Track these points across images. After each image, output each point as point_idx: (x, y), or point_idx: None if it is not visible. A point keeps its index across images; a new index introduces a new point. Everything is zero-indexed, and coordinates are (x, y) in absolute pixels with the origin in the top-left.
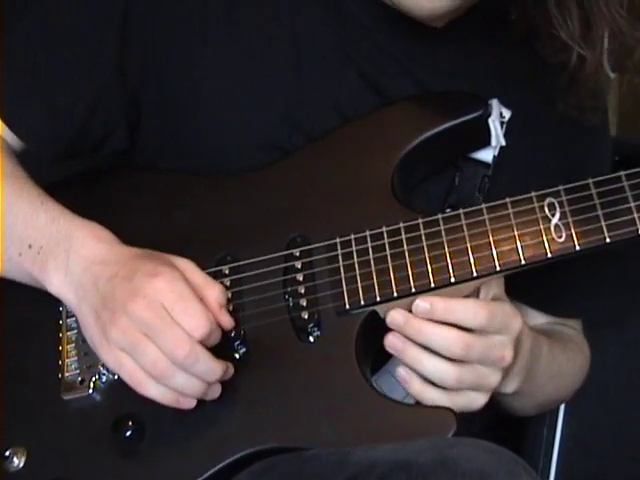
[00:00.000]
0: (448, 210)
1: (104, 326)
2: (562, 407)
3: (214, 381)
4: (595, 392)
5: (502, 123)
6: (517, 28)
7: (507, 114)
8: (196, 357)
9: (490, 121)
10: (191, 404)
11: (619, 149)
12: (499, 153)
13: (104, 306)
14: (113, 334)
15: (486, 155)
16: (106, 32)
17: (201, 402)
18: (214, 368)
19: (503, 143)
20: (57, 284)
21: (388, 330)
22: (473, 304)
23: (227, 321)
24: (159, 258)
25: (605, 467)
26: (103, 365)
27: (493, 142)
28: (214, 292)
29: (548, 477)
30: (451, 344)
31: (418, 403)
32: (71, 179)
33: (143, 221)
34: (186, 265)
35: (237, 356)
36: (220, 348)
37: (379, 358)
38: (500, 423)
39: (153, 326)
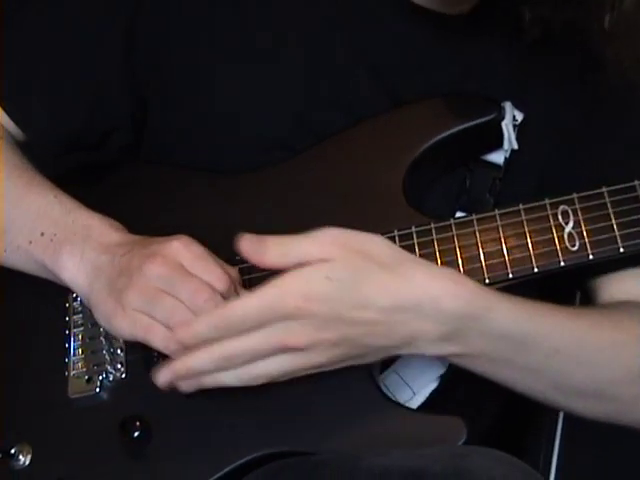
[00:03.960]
0: (459, 212)
1: (120, 294)
2: None
3: None
4: None
5: (514, 126)
6: (531, 32)
7: (520, 117)
8: (215, 304)
9: (503, 124)
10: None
11: None
12: (511, 156)
13: (120, 275)
14: (129, 297)
15: (497, 157)
16: (113, 28)
17: (210, 405)
18: None
19: (515, 146)
20: (71, 269)
21: None
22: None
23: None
24: None
25: (605, 466)
26: (110, 364)
27: (505, 145)
28: (233, 271)
29: (548, 477)
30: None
31: (425, 405)
32: (75, 173)
33: (149, 218)
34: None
35: None
36: None
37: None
38: (500, 423)
39: (171, 279)
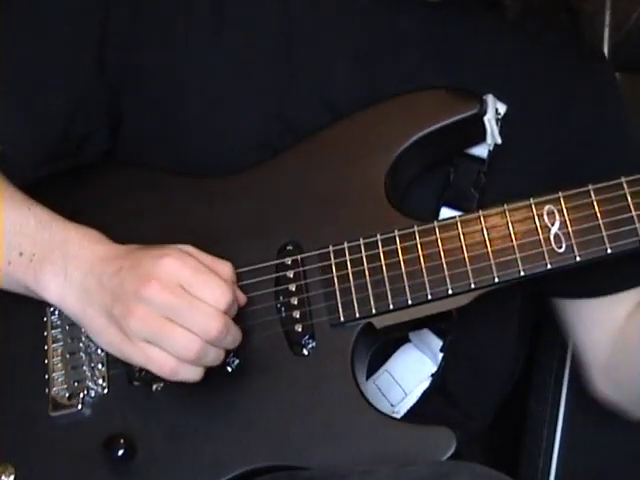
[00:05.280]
0: (444, 207)
1: (119, 322)
2: (562, 407)
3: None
4: None
5: (497, 120)
6: (512, 9)
7: (502, 109)
8: (227, 329)
9: (486, 120)
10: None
11: None
12: (494, 148)
13: (114, 301)
14: (132, 326)
15: (481, 150)
16: (87, 32)
17: (194, 419)
18: (239, 335)
19: (499, 141)
20: (55, 290)
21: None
22: None
23: (241, 295)
24: (161, 246)
25: (605, 467)
26: (91, 379)
27: (488, 140)
28: (225, 267)
29: (548, 477)
30: None
31: (414, 407)
32: (52, 180)
33: (127, 225)
34: (190, 248)
35: (229, 369)
36: None
37: (376, 360)
38: (500, 423)
39: (176, 307)
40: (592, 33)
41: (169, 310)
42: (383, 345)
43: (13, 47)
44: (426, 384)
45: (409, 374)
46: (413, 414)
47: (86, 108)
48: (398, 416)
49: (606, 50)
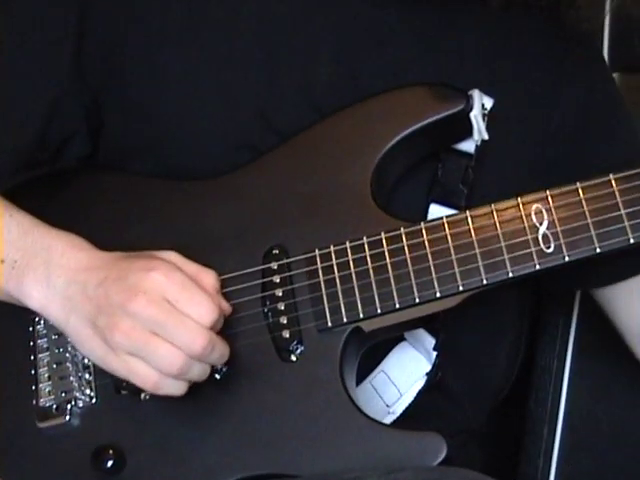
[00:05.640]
0: (432, 204)
1: (103, 333)
2: (562, 406)
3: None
4: (596, 391)
5: (484, 115)
6: (493, 2)
7: (489, 104)
8: (212, 346)
9: (472, 116)
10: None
11: None
12: (482, 143)
13: (99, 312)
14: (116, 339)
15: (468, 146)
16: (61, 35)
17: (183, 428)
18: (227, 351)
19: (486, 137)
20: (38, 298)
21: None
22: None
23: (226, 306)
24: (145, 254)
25: (605, 467)
26: (79, 390)
27: (475, 136)
28: (209, 277)
29: (548, 477)
30: None
31: (411, 406)
32: (33, 185)
33: (109, 230)
34: (174, 257)
35: (218, 376)
36: None
37: (372, 359)
38: (500, 423)
39: (162, 322)
40: (583, 28)
41: (155, 325)
42: (379, 344)
43: None
44: (421, 383)
45: (404, 373)
46: (410, 414)
47: (63, 111)
48: (395, 416)
49: (606, 50)
